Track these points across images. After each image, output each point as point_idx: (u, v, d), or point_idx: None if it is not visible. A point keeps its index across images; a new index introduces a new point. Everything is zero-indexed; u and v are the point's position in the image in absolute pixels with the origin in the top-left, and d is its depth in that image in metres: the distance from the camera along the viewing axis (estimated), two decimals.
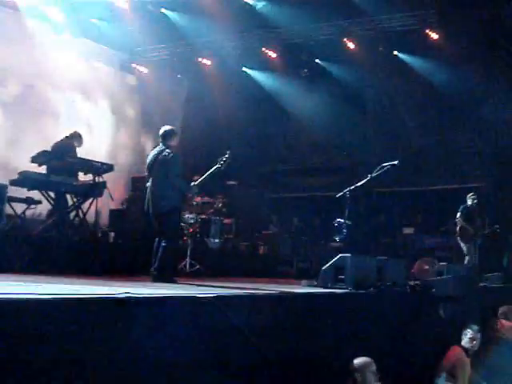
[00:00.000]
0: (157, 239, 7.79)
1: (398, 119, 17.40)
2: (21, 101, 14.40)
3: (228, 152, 8.47)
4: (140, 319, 3.98)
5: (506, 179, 15.23)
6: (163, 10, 15.49)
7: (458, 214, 12.41)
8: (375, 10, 14.65)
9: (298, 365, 5.19)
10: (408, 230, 12.33)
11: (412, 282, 9.28)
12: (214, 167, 8.32)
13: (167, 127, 8.09)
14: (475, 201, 12.41)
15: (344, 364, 5.52)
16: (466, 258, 12.23)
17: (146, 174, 8.06)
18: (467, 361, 7.26)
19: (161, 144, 7.94)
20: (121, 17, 14.85)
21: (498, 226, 12.31)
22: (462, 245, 12.39)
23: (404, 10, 14.79)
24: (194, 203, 11.77)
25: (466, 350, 7.42)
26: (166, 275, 7.46)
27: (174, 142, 8.00)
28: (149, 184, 7.90)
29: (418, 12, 14.73)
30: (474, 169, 15.89)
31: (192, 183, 8.13)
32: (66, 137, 10.78)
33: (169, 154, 7.73)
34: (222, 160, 8.40)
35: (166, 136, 7.95)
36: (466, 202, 12.52)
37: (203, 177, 8.25)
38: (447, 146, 16.15)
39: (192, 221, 11.60)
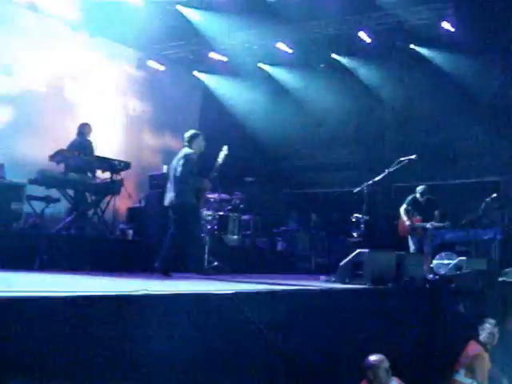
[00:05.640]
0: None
1: (415, 113, 17.29)
2: (38, 100, 14.51)
3: (226, 147, 8.80)
4: (158, 316, 4.00)
5: None
6: (178, 7, 15.50)
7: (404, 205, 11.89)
8: (391, 4, 14.57)
9: (314, 361, 5.18)
10: (427, 225, 12.25)
11: (431, 277, 9.26)
12: (217, 164, 8.73)
13: (190, 132, 8.59)
14: (425, 196, 11.81)
15: (361, 361, 5.51)
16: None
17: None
18: (486, 356, 7.21)
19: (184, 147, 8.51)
20: (136, 14, 14.86)
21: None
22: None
23: (420, 2, 14.70)
24: (212, 200, 11.80)
25: (484, 344, 7.36)
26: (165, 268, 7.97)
27: (196, 145, 8.42)
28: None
29: (434, 5, 14.63)
30: (492, 163, 15.75)
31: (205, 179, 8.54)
32: (78, 134, 10.82)
33: (184, 154, 8.28)
34: (222, 155, 8.76)
35: (187, 140, 8.49)
36: (483, 196, 12.32)
37: (211, 173, 8.66)
38: (465, 140, 16.02)
39: (210, 218, 11.63)
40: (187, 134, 8.54)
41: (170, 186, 8.40)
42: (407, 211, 11.80)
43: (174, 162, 8.42)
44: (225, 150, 8.81)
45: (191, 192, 8.27)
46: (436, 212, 11.71)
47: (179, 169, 8.19)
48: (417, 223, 11.72)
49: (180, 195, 8.21)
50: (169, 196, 8.33)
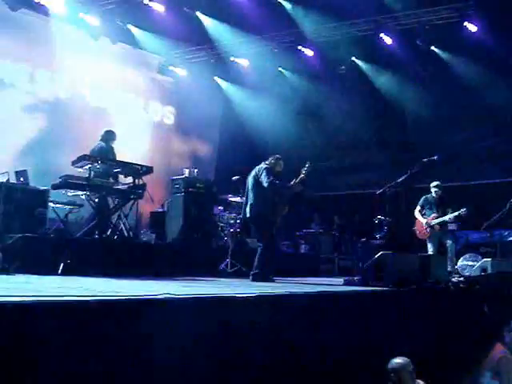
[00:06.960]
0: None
1: (437, 114, 17.15)
2: (61, 105, 14.65)
3: (308, 162, 9.27)
4: (180, 319, 4.00)
5: None
6: (198, 14, 15.56)
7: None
8: (411, 4, 14.50)
9: (337, 364, 5.16)
10: (451, 226, 12.11)
11: (455, 279, 9.17)
12: (300, 177, 9.13)
13: (275, 156, 9.35)
14: (438, 192, 11.68)
15: (384, 363, 5.47)
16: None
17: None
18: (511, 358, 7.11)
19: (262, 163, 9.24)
20: (157, 20, 14.93)
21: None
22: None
23: (442, 2, 14.58)
24: (234, 203, 11.82)
25: (509, 347, 7.27)
26: (263, 275, 8.46)
27: (278, 166, 9.20)
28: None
29: (456, 4, 14.50)
30: None
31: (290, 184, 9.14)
32: (102, 140, 10.90)
33: (264, 167, 9.00)
34: (304, 170, 9.20)
35: (272, 161, 9.19)
36: (508, 196, 12.19)
37: (294, 182, 9.09)
38: (488, 140, 15.86)
39: (232, 221, 11.65)
40: (273, 158, 9.23)
41: (249, 197, 9.11)
42: (421, 213, 11.71)
43: (250, 177, 9.13)
44: (307, 166, 9.25)
45: (271, 203, 8.90)
46: (449, 210, 11.55)
47: (265, 179, 8.82)
48: (433, 220, 11.55)
49: (261, 206, 8.93)
50: (254, 209, 9.01)
